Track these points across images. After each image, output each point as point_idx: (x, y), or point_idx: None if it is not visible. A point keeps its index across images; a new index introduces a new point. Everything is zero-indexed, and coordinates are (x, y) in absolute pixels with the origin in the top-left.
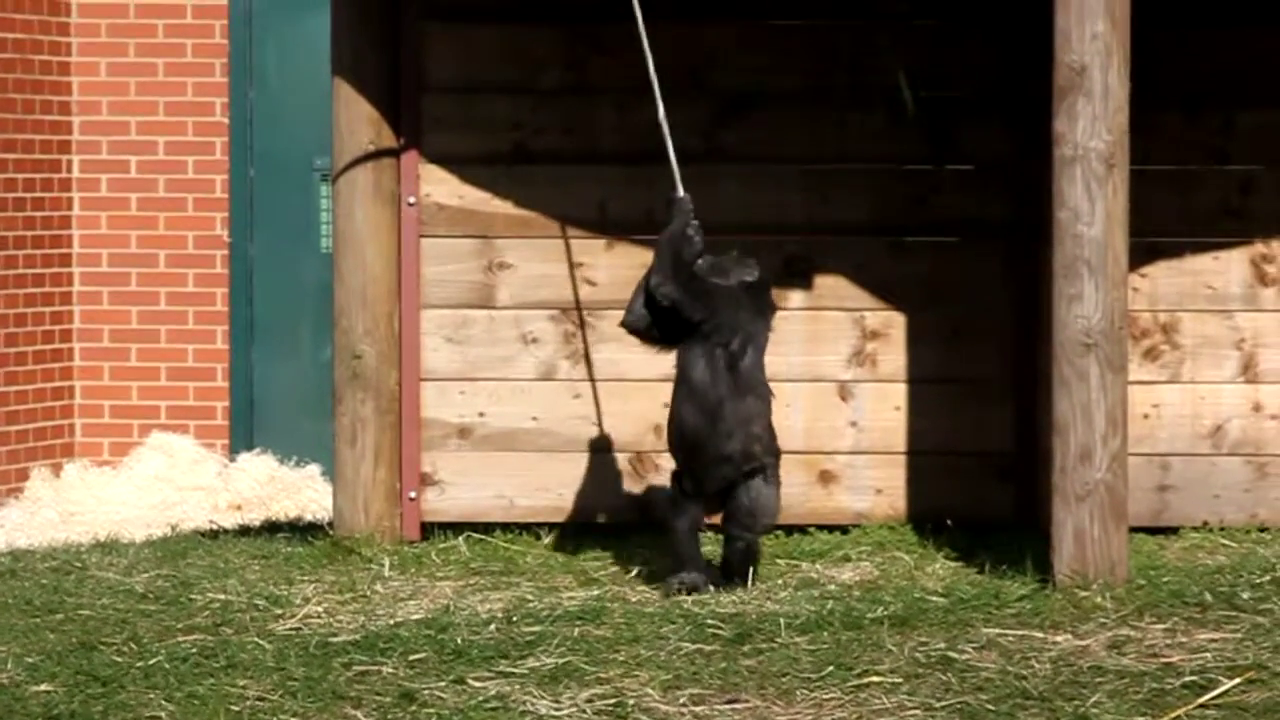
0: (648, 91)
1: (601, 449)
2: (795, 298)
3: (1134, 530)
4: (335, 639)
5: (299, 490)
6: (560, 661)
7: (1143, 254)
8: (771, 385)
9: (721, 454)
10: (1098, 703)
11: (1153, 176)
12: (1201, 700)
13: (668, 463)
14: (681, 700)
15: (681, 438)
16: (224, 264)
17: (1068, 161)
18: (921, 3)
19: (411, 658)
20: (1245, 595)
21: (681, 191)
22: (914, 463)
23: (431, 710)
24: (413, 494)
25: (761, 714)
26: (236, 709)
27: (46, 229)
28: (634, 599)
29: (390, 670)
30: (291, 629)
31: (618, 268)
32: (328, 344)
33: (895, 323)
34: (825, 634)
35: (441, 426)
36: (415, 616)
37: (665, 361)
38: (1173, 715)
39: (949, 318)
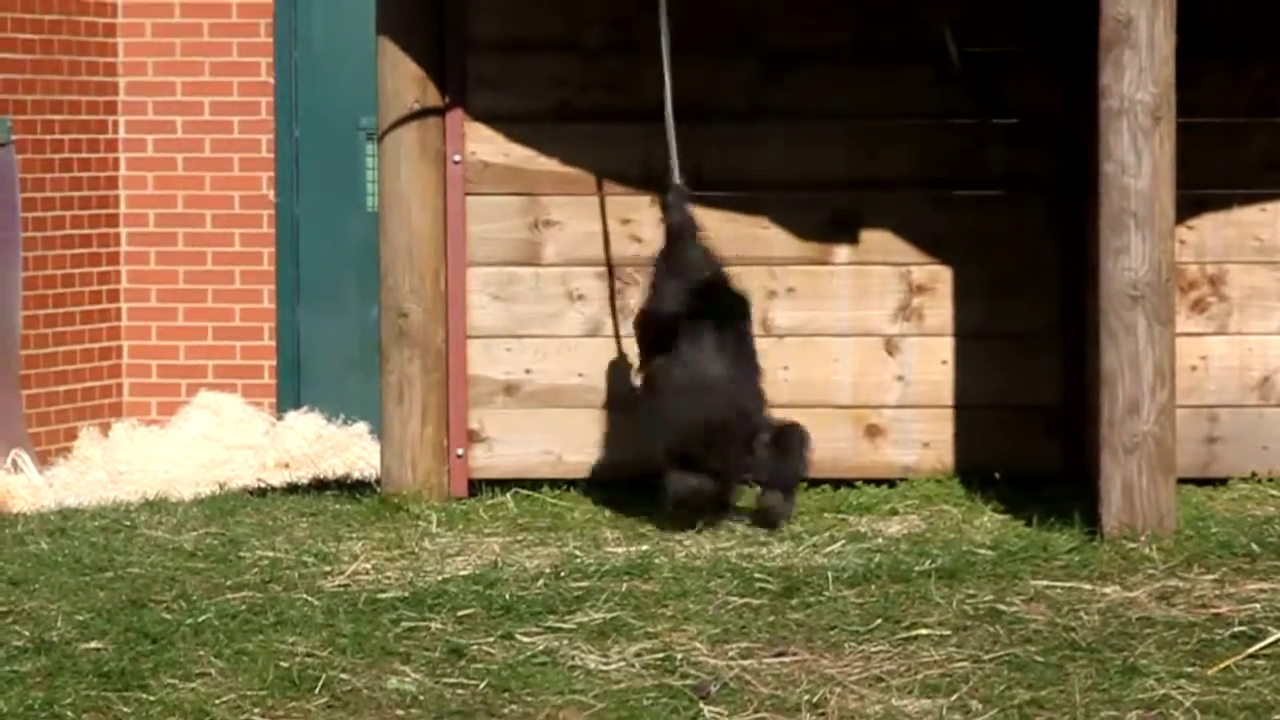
0: (693, 49)
1: None
2: (841, 253)
3: (1182, 482)
4: (383, 595)
5: (346, 448)
6: (608, 616)
7: (1190, 206)
8: (819, 341)
9: None
10: (1146, 653)
11: (1199, 129)
12: (1250, 650)
13: None
14: (730, 654)
15: None
16: (270, 223)
17: (1114, 114)
18: None
19: (459, 613)
20: None
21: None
22: (961, 416)
23: (480, 665)
24: (460, 451)
25: (810, 667)
26: (285, 665)
27: (93, 190)
28: (681, 554)
29: (438, 626)
30: (340, 586)
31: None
32: (374, 302)
33: (942, 277)
34: (873, 587)
35: (488, 384)
36: (463, 572)
37: None
38: (1221, 665)
39: (995, 271)
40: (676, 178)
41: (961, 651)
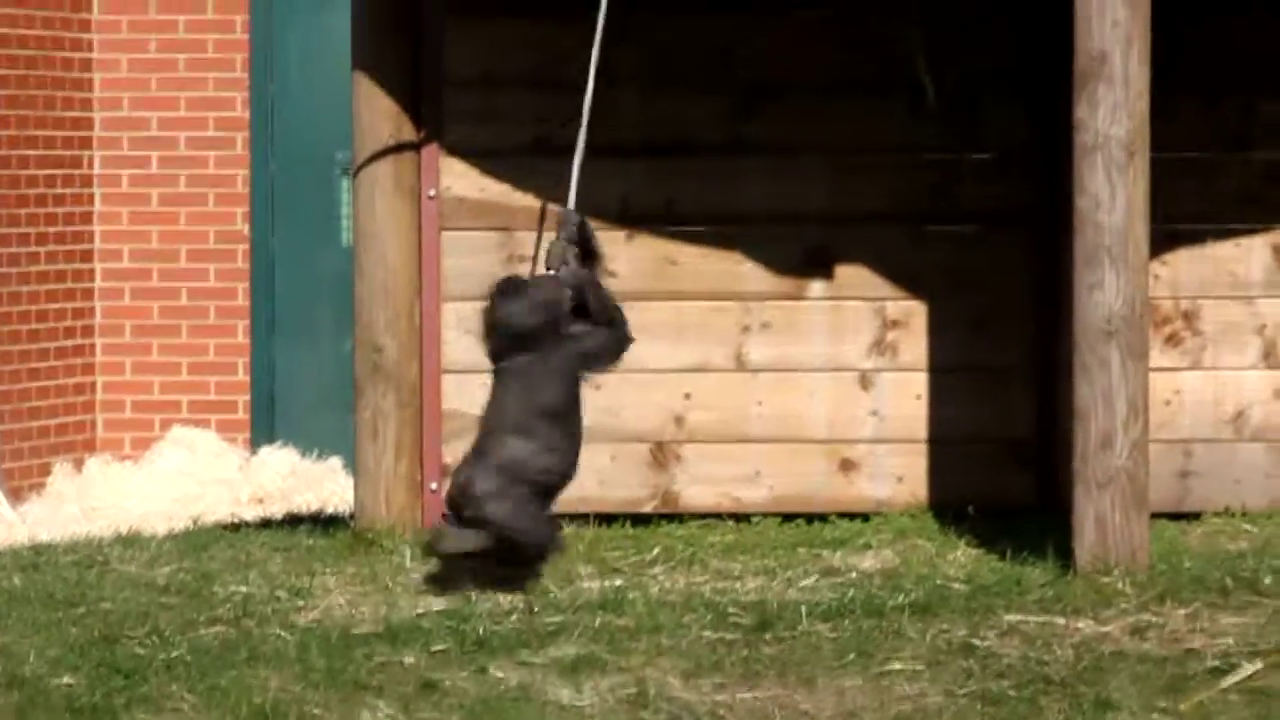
0: (671, 83)
1: (622, 439)
2: (816, 288)
3: (1155, 516)
4: (357, 630)
5: (320, 483)
6: (582, 651)
7: (1164, 241)
8: (794, 376)
9: None
10: (1119, 687)
11: (1173, 164)
12: (1224, 685)
13: (688, 453)
14: (703, 688)
15: None
16: (245, 258)
17: (1088, 149)
18: None
19: (433, 648)
20: (1267, 580)
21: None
22: (935, 451)
23: (453, 700)
24: (434, 485)
25: (783, 702)
26: (258, 700)
27: (68, 225)
28: (654, 589)
29: (411, 661)
30: (313, 620)
31: (639, 259)
32: (348, 337)
33: (916, 312)
34: (847, 621)
35: (463, 418)
36: (436, 607)
37: (686, 353)
38: (1195, 700)
39: (970, 306)
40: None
41: (935, 686)
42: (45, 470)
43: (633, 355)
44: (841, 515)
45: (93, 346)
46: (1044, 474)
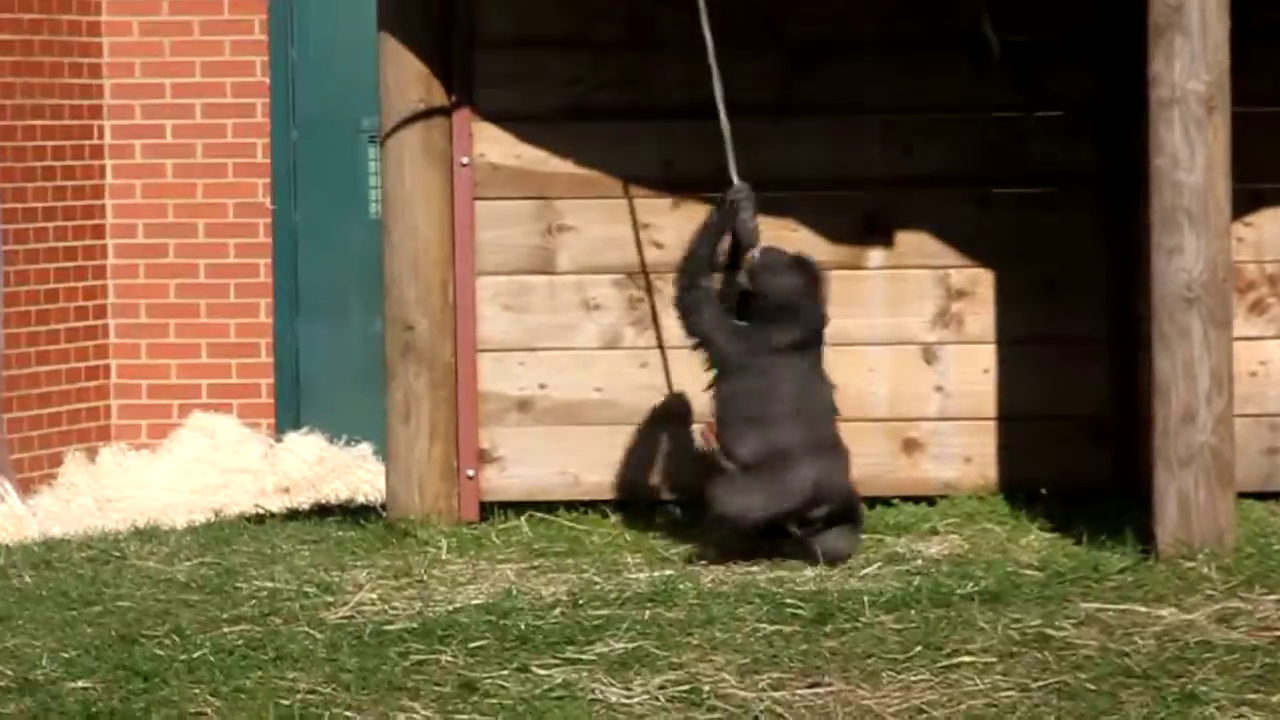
0: (716, 45)
1: (671, 420)
2: (875, 256)
3: (1242, 496)
4: (390, 627)
5: (350, 471)
6: (630, 646)
7: (1247, 201)
8: (853, 350)
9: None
10: (1206, 679)
11: (1256, 118)
12: None
13: None
14: (760, 685)
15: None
16: (267, 233)
17: (1165, 104)
18: None
19: (472, 645)
20: None
21: (738, 181)
22: (1005, 429)
23: (494, 701)
24: (471, 472)
25: (846, 698)
26: (286, 703)
27: (78, 199)
28: (707, 579)
29: (449, 659)
30: (344, 617)
31: (685, 228)
32: (378, 315)
33: (982, 280)
34: (912, 612)
35: (500, 400)
36: (475, 602)
37: None
38: None
39: (1039, 274)
40: (736, 180)
41: (1008, 680)
42: (57, 460)
43: (677, 332)
44: (905, 499)
45: (106, 328)
46: (1121, 452)
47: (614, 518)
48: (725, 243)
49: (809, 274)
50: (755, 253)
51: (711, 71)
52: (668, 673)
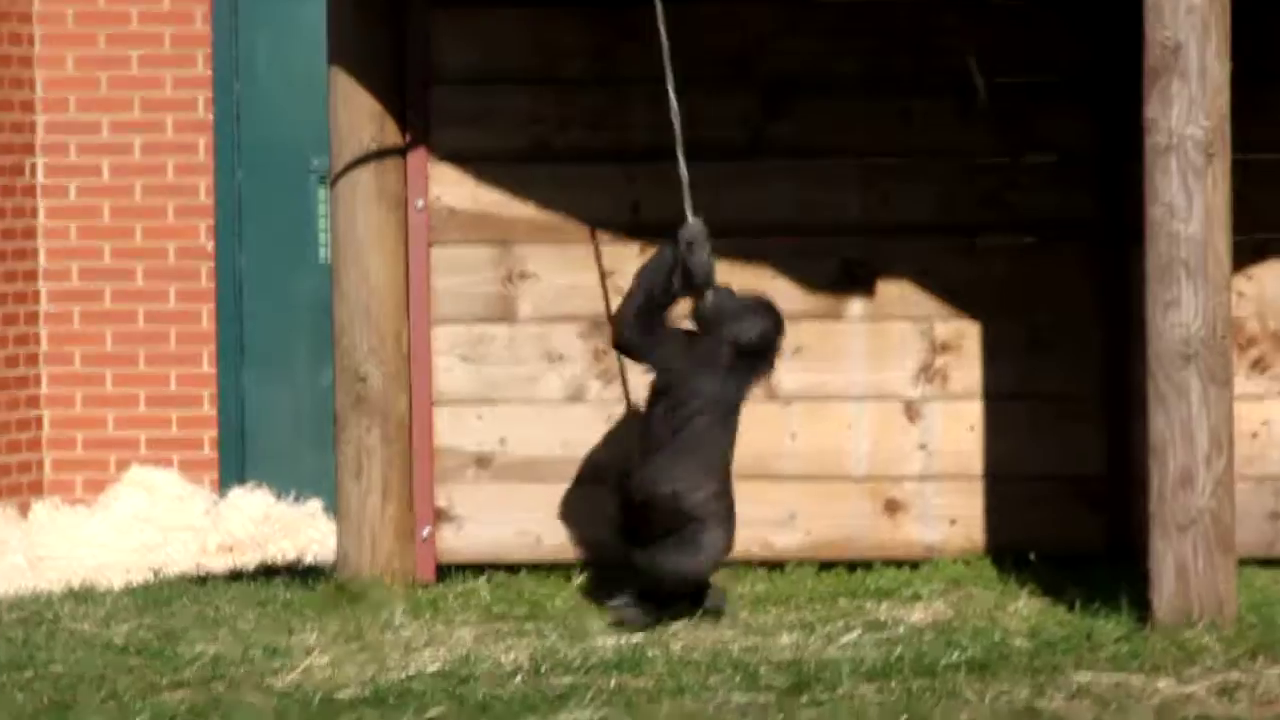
0: (682, 78)
1: None
2: (855, 307)
3: (1243, 562)
4: (341, 695)
5: (298, 529)
6: (596, 716)
7: (1248, 253)
8: (831, 405)
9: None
10: None
11: (1258, 166)
12: None
13: None
14: None
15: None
16: (210, 277)
17: (1161, 151)
18: None
19: (427, 715)
20: None
21: (692, 217)
22: (992, 489)
23: None
24: (426, 531)
25: None
26: None
27: (9, 241)
28: (677, 645)
29: None
30: (292, 683)
31: None
32: (328, 365)
33: (968, 333)
34: (894, 682)
35: (457, 455)
36: (431, 668)
37: None
38: None
39: (1029, 327)
40: (690, 216)
41: None
42: None
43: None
44: (887, 562)
45: (38, 377)
46: (1116, 515)
47: (578, 580)
48: (676, 282)
49: (770, 318)
50: (710, 293)
51: (670, 102)
52: None
